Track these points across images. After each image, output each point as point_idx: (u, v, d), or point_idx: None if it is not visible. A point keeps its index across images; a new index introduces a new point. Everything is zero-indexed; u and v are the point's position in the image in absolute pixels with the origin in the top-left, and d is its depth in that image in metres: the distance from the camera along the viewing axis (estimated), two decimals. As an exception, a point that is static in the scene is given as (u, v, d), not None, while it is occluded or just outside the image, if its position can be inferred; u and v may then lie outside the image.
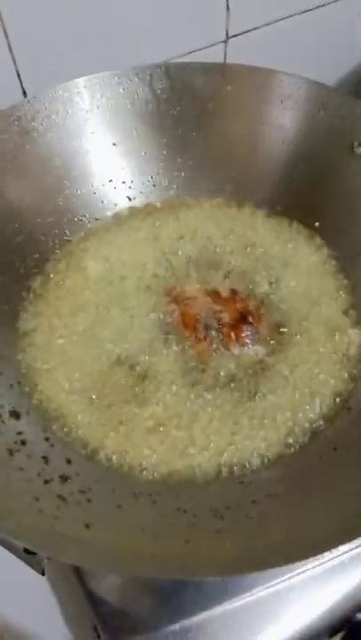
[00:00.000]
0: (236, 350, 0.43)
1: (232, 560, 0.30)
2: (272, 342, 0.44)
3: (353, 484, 0.34)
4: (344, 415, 0.40)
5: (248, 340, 0.43)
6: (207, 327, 0.44)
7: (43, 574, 0.40)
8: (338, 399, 0.41)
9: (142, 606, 0.40)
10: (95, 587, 0.41)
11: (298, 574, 0.40)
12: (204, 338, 0.43)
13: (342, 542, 0.28)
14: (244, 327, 0.43)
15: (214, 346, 0.43)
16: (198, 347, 0.43)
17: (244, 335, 0.43)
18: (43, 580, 0.48)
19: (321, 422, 0.40)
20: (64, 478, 0.36)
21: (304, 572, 0.40)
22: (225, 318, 0.44)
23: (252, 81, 0.50)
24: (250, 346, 0.43)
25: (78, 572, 0.41)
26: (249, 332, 0.43)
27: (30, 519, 0.31)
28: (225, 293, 0.46)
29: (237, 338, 0.43)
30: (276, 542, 0.32)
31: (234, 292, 0.46)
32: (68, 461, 0.38)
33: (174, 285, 0.47)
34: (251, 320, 0.44)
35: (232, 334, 0.43)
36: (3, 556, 0.41)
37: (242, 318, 0.44)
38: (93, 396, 0.42)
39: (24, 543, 0.29)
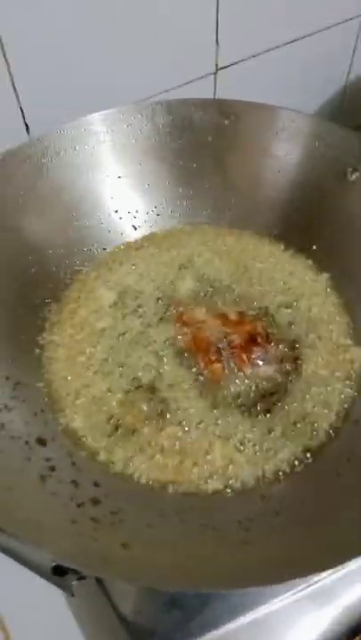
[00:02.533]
0: (248, 371, 0.45)
1: (258, 571, 0.32)
2: (282, 362, 0.46)
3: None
4: (352, 428, 0.43)
5: (259, 361, 0.45)
6: (219, 349, 0.46)
7: (72, 595, 0.42)
8: (346, 414, 0.44)
9: (170, 622, 0.42)
10: (124, 606, 0.42)
11: (319, 581, 0.42)
12: (217, 360, 0.45)
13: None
14: (255, 348, 0.46)
15: (227, 367, 0.45)
16: (212, 368, 0.45)
17: (254, 356, 0.45)
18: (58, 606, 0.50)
19: (331, 435, 0.43)
20: (95, 501, 0.38)
21: (325, 578, 0.42)
22: (235, 340, 0.46)
23: (248, 115, 0.53)
24: (261, 366, 0.45)
25: (107, 593, 0.43)
26: (260, 353, 0.46)
27: (72, 542, 0.33)
28: (233, 316, 0.48)
29: (249, 359, 0.45)
30: (298, 553, 0.34)
31: (241, 314, 0.49)
32: (96, 484, 0.40)
33: (184, 310, 0.49)
34: (260, 341, 0.46)
35: (243, 356, 0.45)
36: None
37: (251, 340, 0.46)
38: (115, 421, 0.44)
39: (74, 565, 0.31)
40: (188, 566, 0.33)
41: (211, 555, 0.34)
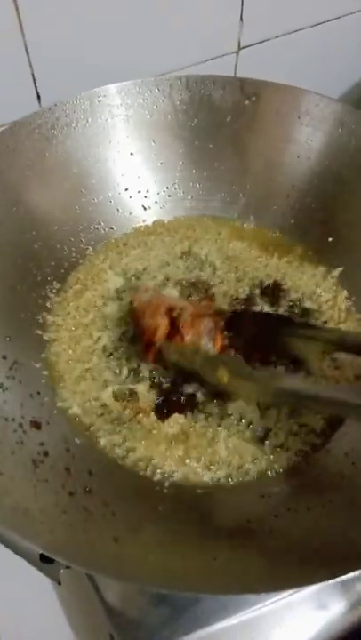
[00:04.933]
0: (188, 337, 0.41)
1: (259, 578, 0.30)
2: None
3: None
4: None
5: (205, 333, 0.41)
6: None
7: (59, 583, 0.40)
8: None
9: (158, 616, 0.41)
10: (111, 597, 0.41)
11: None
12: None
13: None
14: (206, 320, 0.41)
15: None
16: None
17: (202, 326, 0.41)
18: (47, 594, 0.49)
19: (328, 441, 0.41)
20: (87, 490, 0.36)
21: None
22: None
23: (271, 96, 0.50)
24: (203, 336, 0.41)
25: (94, 583, 0.41)
26: (209, 326, 0.41)
27: (63, 534, 0.31)
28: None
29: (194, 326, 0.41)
30: (300, 560, 0.32)
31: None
32: (90, 473, 0.38)
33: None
34: (213, 316, 0.42)
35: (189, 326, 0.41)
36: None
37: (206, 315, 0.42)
38: (114, 407, 0.42)
39: (64, 560, 0.29)
40: (179, 567, 0.32)
41: (203, 557, 0.33)
